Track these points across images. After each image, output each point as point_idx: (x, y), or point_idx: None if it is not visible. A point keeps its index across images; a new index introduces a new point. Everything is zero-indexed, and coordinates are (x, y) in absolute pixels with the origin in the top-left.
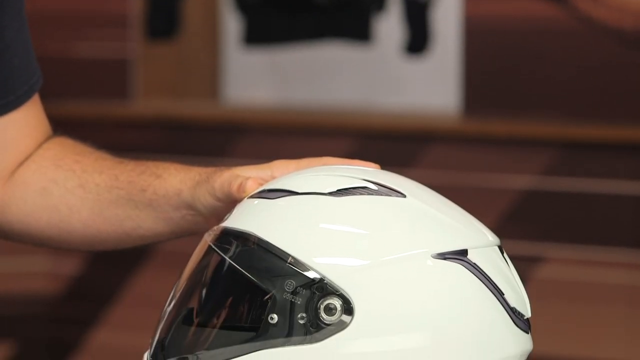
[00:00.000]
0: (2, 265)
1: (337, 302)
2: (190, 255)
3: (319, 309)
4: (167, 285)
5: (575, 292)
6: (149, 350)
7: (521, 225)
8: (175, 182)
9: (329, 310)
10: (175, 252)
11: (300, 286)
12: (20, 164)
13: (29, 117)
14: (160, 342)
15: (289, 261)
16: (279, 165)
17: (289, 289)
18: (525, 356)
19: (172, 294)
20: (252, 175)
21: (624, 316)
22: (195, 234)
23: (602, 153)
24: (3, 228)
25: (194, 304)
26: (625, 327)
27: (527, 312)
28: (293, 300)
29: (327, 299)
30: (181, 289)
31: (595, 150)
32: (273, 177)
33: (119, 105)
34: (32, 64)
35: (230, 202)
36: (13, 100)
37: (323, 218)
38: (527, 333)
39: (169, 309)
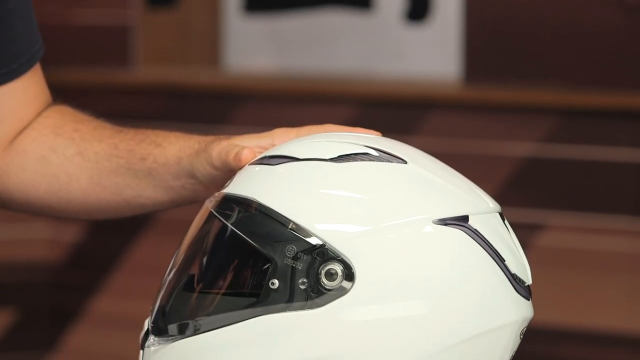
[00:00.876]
0: (3, 233)
1: (338, 268)
2: (190, 222)
3: (320, 274)
4: (167, 252)
5: (576, 260)
6: (149, 317)
7: (522, 193)
8: (175, 151)
9: (330, 275)
10: (176, 220)
11: (301, 251)
12: (20, 132)
13: (30, 86)
14: (161, 309)
15: (290, 227)
16: (279, 133)
17: (290, 254)
18: (526, 323)
19: (173, 261)
20: (251, 145)
21: (625, 284)
22: (195, 202)
23: (603, 120)
24: (2, 197)
25: (195, 270)
26: (625, 294)
27: (527, 279)
28: (294, 265)
29: (328, 264)
30: (182, 256)
31: (597, 117)
32: (274, 146)
33: (120, 72)
34: (34, 32)
35: (227, 171)
36: (15, 68)
37: (324, 184)
38: (528, 300)
39: (170, 276)
